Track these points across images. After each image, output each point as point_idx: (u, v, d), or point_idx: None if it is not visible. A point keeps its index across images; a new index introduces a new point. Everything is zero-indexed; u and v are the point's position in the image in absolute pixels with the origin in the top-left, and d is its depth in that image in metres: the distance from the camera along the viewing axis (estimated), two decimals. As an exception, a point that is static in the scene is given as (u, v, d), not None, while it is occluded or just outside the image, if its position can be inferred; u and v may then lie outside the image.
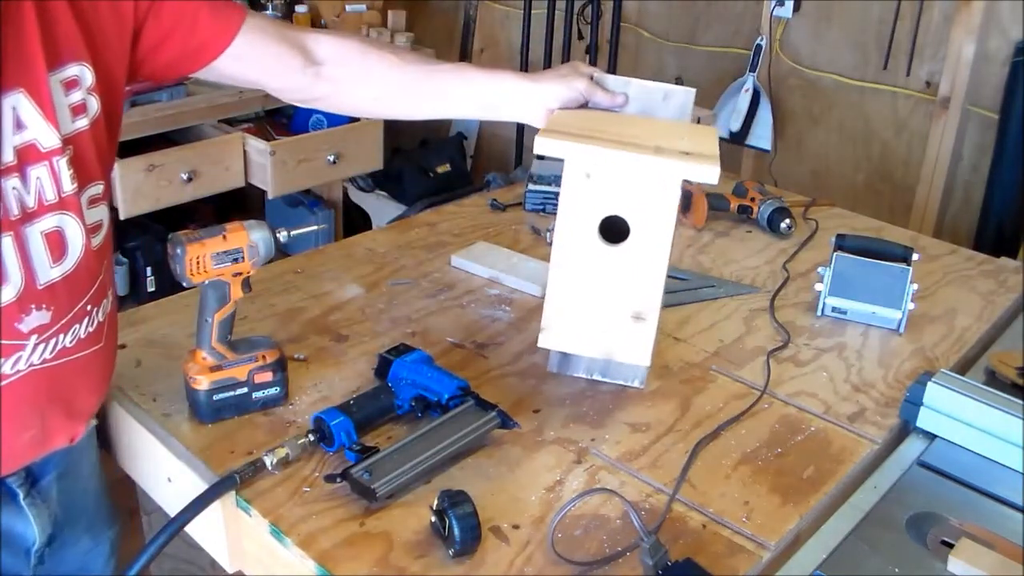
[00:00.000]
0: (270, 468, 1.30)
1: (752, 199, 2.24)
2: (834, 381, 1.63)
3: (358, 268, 1.92)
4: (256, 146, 3.18)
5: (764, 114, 3.60)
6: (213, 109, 3.21)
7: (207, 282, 1.36)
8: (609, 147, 1.37)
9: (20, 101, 1.15)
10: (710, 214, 2.21)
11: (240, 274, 1.38)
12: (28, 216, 1.17)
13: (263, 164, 3.18)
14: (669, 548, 1.19)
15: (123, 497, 1.71)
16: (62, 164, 1.19)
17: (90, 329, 1.29)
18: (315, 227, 1.53)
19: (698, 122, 2.92)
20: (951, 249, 2.18)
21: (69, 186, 1.20)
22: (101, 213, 1.28)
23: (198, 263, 1.33)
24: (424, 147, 4.54)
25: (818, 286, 1.82)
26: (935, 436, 1.47)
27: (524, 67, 4.14)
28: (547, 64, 4.08)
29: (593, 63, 4.00)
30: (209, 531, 1.33)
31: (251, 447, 1.37)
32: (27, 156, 1.16)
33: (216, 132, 3.21)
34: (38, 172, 1.17)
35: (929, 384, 1.47)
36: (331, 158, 3.37)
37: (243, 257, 1.36)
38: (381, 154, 3.59)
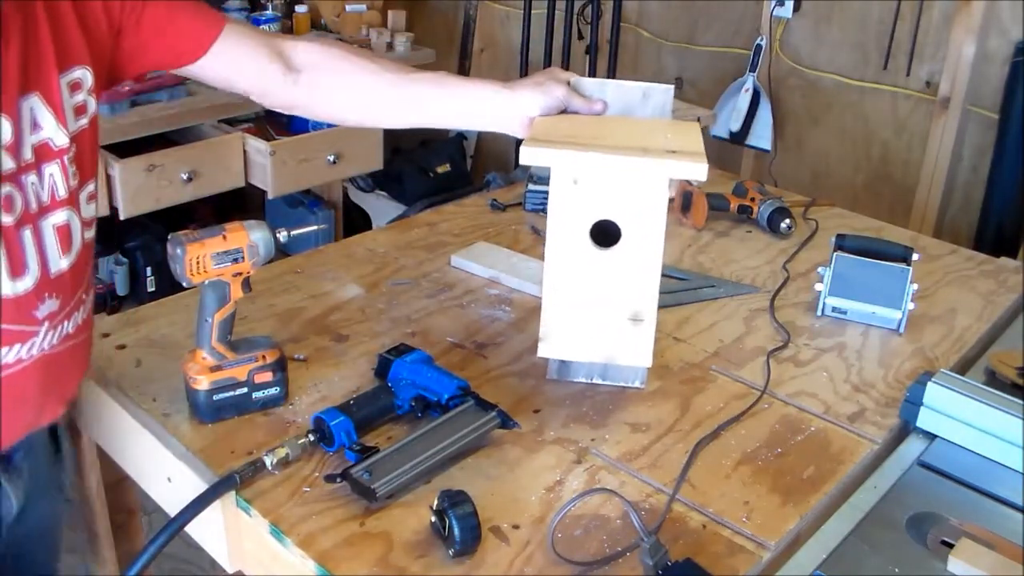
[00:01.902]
0: (270, 468, 1.30)
1: (752, 199, 2.24)
2: (834, 381, 1.63)
3: (358, 268, 1.92)
4: (256, 146, 3.18)
5: (764, 114, 3.60)
6: (213, 109, 3.21)
7: (207, 282, 1.36)
8: (595, 151, 1.37)
9: (36, 103, 1.21)
10: (710, 214, 2.21)
11: (240, 274, 1.38)
12: (43, 210, 1.24)
13: (263, 164, 3.18)
14: (669, 548, 1.19)
15: (123, 497, 1.71)
16: (69, 161, 1.26)
17: (84, 316, 1.36)
18: (315, 227, 1.53)
19: (697, 123, 2.94)
20: (951, 249, 2.18)
21: (73, 182, 1.28)
22: (94, 209, 1.35)
23: (198, 263, 1.33)
24: (424, 147, 4.55)
25: (818, 286, 1.82)
26: (935, 436, 1.47)
27: (524, 67, 4.14)
28: (546, 65, 4.08)
29: (593, 63, 4.01)
30: (209, 531, 1.33)
31: (251, 447, 1.37)
32: (43, 154, 1.23)
33: (216, 132, 3.22)
34: (51, 169, 1.24)
35: (929, 384, 1.47)
36: (331, 158, 3.37)
37: (243, 257, 1.37)
38: (381, 154, 3.60)
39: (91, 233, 1.35)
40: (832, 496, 1.35)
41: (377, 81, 1.54)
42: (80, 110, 1.29)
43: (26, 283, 1.23)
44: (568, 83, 1.55)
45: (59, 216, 1.26)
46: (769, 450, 1.43)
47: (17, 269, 1.21)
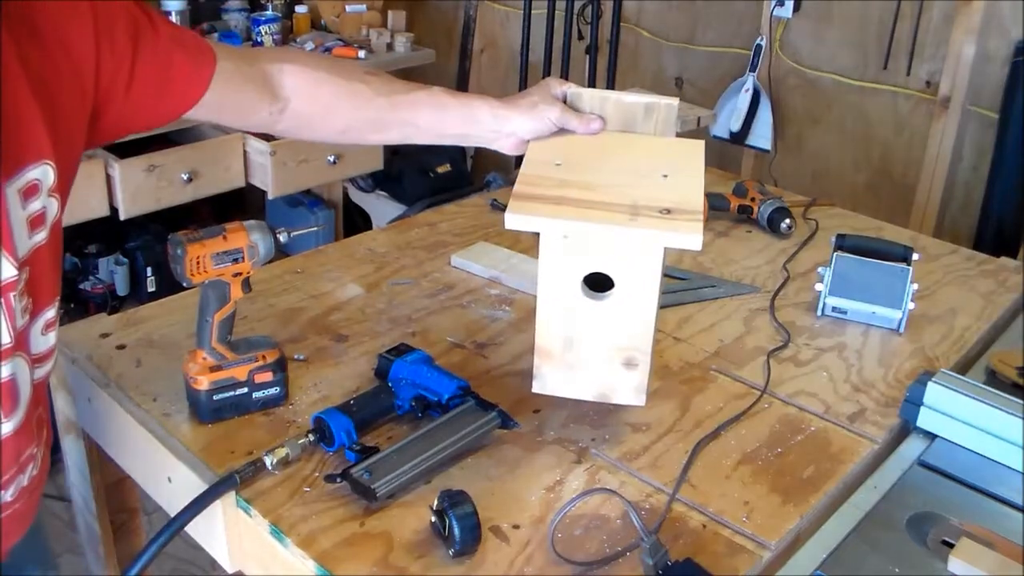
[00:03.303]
0: (270, 468, 1.30)
1: (752, 199, 2.23)
2: (834, 381, 1.62)
3: (358, 268, 1.92)
4: (256, 146, 3.19)
5: (764, 114, 3.60)
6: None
7: (207, 282, 1.36)
8: (583, 215, 1.30)
9: None
10: (710, 214, 2.21)
11: (240, 274, 1.38)
12: None
13: (263, 164, 3.19)
14: (669, 548, 1.19)
15: (123, 497, 1.71)
16: (17, 297, 1.02)
17: (34, 473, 1.16)
18: (315, 227, 1.53)
19: (698, 123, 2.94)
20: (951, 249, 2.18)
21: (22, 321, 1.05)
22: (54, 338, 1.14)
23: (198, 263, 1.33)
24: (424, 147, 4.54)
25: (818, 286, 1.82)
26: (935, 436, 1.47)
27: (524, 68, 4.14)
28: (546, 65, 4.08)
29: (593, 63, 4.00)
30: (209, 531, 1.33)
31: (251, 447, 1.37)
32: None
33: (216, 132, 3.22)
34: None
35: (929, 384, 1.47)
36: (331, 158, 3.37)
37: (243, 257, 1.37)
38: (381, 154, 3.61)
39: (45, 368, 1.14)
40: (832, 496, 1.35)
41: (367, 104, 1.46)
42: (37, 221, 1.04)
43: None
44: (565, 98, 1.49)
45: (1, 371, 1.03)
46: (769, 450, 1.43)
47: None
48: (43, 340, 1.11)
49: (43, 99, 1.03)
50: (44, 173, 1.04)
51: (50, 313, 1.10)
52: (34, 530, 1.28)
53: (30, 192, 1.02)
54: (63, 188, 1.08)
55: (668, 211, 1.31)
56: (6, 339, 1.01)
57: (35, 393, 1.11)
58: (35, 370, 1.11)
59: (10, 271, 1.00)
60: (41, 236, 1.05)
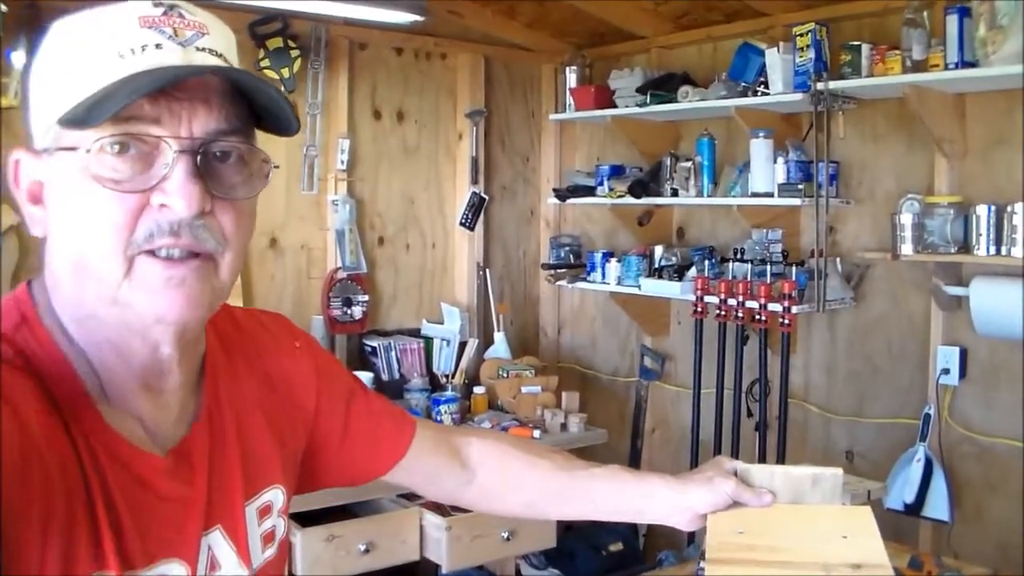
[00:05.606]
0: None
1: (929, 573, 2.18)
2: None
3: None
4: (433, 521, 3.30)
5: (939, 483, 3.53)
6: (392, 486, 3.35)
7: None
8: (779, 573, 1.34)
9: (217, 539, 1.11)
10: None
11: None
12: None
13: (439, 539, 3.28)
14: None
15: None
16: None
17: None
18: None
19: (868, 496, 2.92)
20: None
21: None
22: None
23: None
24: (597, 524, 4.57)
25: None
26: None
27: (695, 446, 4.22)
28: (717, 443, 4.15)
29: (763, 440, 4.04)
30: None
31: None
32: None
33: (394, 506, 3.35)
34: None
35: None
36: (505, 534, 3.45)
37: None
38: (554, 531, 3.67)
39: None
40: None
41: (550, 480, 1.53)
42: (268, 537, 1.19)
43: None
44: (735, 473, 1.52)
45: None
46: None
47: None
48: None
49: (275, 432, 1.23)
50: (276, 496, 1.21)
51: None
52: None
53: (264, 512, 1.19)
54: (288, 510, 1.25)
55: (858, 566, 1.33)
56: None
57: None
58: None
59: None
60: (270, 552, 1.20)
